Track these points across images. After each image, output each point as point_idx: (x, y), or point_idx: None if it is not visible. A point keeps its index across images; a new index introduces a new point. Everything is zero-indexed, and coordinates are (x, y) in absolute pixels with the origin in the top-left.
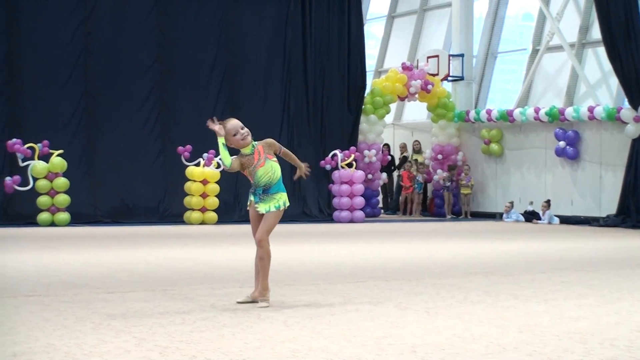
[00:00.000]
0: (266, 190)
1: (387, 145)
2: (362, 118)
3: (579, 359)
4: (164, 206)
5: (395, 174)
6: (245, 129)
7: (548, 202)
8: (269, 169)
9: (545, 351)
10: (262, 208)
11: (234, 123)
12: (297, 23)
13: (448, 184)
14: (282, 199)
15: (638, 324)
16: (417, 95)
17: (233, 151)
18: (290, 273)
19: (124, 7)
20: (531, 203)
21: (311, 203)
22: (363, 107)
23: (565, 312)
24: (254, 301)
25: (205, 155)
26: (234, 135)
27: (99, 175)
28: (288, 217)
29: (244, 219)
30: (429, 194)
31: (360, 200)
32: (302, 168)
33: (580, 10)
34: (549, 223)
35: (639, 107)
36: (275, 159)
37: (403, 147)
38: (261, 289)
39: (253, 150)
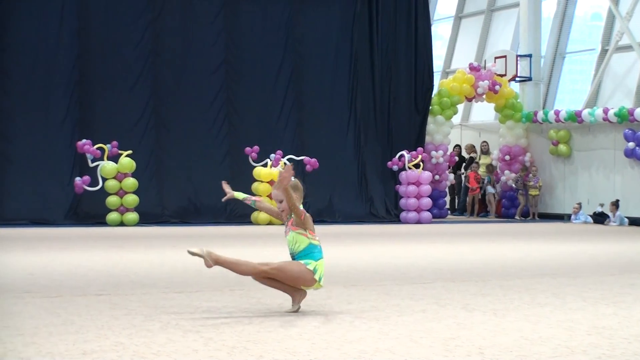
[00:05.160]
0: (293, 257)
1: (458, 147)
2: (429, 119)
3: None
4: (231, 206)
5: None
6: (281, 206)
7: (616, 202)
8: (292, 239)
9: (614, 354)
10: None
11: (274, 193)
12: (364, 24)
13: (521, 187)
14: (310, 263)
15: None
16: (484, 96)
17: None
18: (356, 274)
19: (191, 8)
20: (601, 205)
21: (378, 204)
22: (430, 107)
23: (635, 315)
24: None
25: (272, 156)
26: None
27: (167, 175)
28: (355, 218)
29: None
30: (496, 195)
31: (427, 201)
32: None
33: None
34: (620, 224)
35: None
36: (300, 230)
37: (470, 148)
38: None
39: (288, 219)
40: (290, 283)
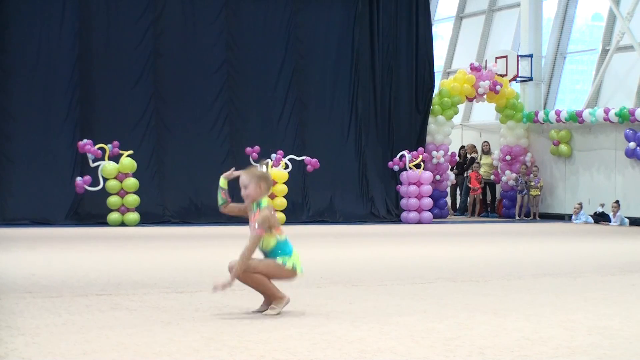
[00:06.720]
0: (266, 255)
1: (463, 148)
2: (430, 119)
3: None
4: None
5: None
6: (246, 192)
7: (617, 202)
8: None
9: (615, 354)
10: None
11: (241, 178)
12: (365, 24)
13: (524, 189)
14: (284, 259)
15: None
16: (485, 96)
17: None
18: (357, 274)
19: (193, 9)
20: (602, 205)
21: (379, 204)
22: (431, 107)
23: (636, 315)
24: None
25: (273, 155)
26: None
27: (168, 175)
28: (356, 218)
29: (312, 219)
30: (497, 195)
31: (428, 202)
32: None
33: None
34: (620, 225)
35: None
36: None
37: (471, 148)
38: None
39: (255, 211)
40: (275, 279)
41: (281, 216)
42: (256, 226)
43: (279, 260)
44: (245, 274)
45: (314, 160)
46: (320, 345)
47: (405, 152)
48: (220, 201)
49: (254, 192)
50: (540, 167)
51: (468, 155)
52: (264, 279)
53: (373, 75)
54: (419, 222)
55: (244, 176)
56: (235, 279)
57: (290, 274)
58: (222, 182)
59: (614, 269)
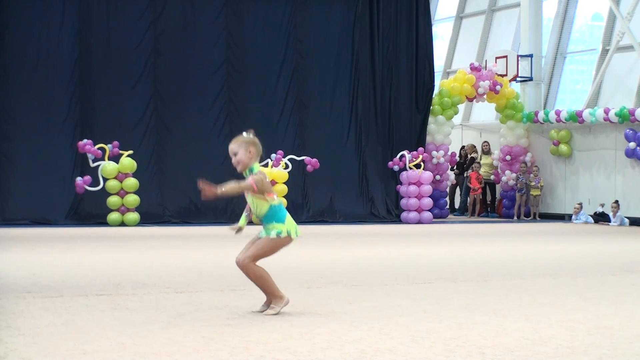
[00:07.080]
0: (261, 220)
1: (463, 148)
2: (430, 119)
3: None
4: (232, 206)
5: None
6: (236, 158)
7: (617, 202)
8: (253, 203)
9: (615, 354)
10: (261, 233)
11: (230, 147)
12: (365, 24)
13: (523, 188)
14: (279, 228)
15: None
16: (485, 96)
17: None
18: (358, 274)
19: (193, 8)
20: (602, 205)
21: (379, 204)
22: (431, 107)
23: (636, 315)
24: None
25: (273, 155)
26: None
27: (168, 175)
28: (356, 218)
29: (312, 219)
30: (497, 195)
31: (428, 202)
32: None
33: None
34: (620, 225)
35: None
36: (258, 194)
37: (471, 148)
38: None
39: (246, 176)
40: (277, 252)
41: None
42: (251, 178)
43: (273, 233)
44: (247, 265)
45: (314, 160)
46: (320, 345)
47: (405, 152)
48: (246, 216)
49: (245, 157)
50: (540, 167)
51: (468, 155)
52: (264, 273)
53: (373, 75)
54: (419, 222)
55: (232, 144)
56: (223, 191)
57: (287, 241)
58: (242, 222)
59: (614, 269)
